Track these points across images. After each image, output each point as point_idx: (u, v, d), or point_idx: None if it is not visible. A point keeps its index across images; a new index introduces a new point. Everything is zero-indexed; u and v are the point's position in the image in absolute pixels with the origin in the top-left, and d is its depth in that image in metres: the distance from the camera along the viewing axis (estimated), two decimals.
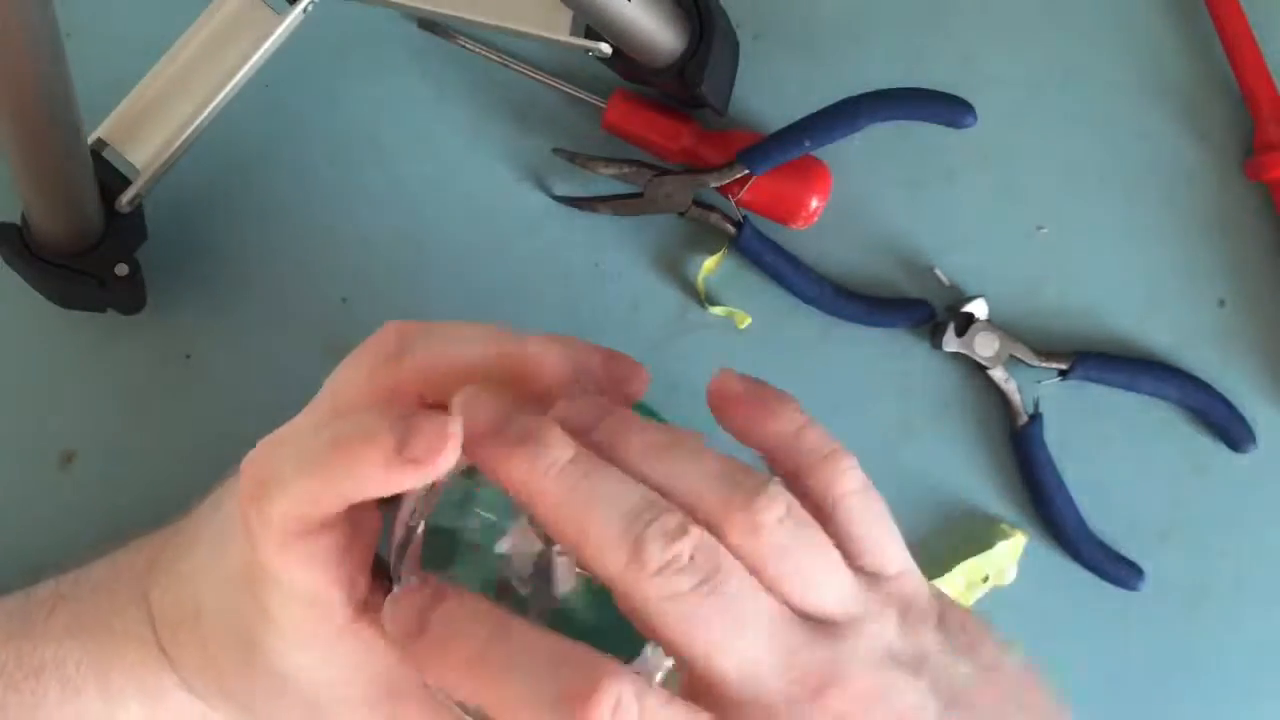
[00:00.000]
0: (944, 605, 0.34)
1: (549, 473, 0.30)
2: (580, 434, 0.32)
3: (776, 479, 0.32)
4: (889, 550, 0.33)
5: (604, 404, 0.33)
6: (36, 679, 0.41)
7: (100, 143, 0.48)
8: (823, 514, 0.32)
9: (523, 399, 0.33)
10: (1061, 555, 0.53)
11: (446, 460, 0.31)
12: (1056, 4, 0.54)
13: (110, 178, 0.47)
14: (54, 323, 0.51)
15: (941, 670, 0.32)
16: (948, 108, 0.50)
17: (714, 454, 0.32)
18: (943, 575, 0.52)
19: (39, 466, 0.51)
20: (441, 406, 0.32)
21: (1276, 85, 0.53)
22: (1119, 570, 0.53)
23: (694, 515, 0.30)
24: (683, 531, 0.29)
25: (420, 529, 0.33)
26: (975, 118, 0.50)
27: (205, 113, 0.47)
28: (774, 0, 0.53)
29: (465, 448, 0.31)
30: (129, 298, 0.49)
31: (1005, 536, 0.53)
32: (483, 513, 0.34)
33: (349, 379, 0.36)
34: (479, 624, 0.30)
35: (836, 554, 0.32)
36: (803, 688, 0.30)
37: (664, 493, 0.31)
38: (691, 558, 0.29)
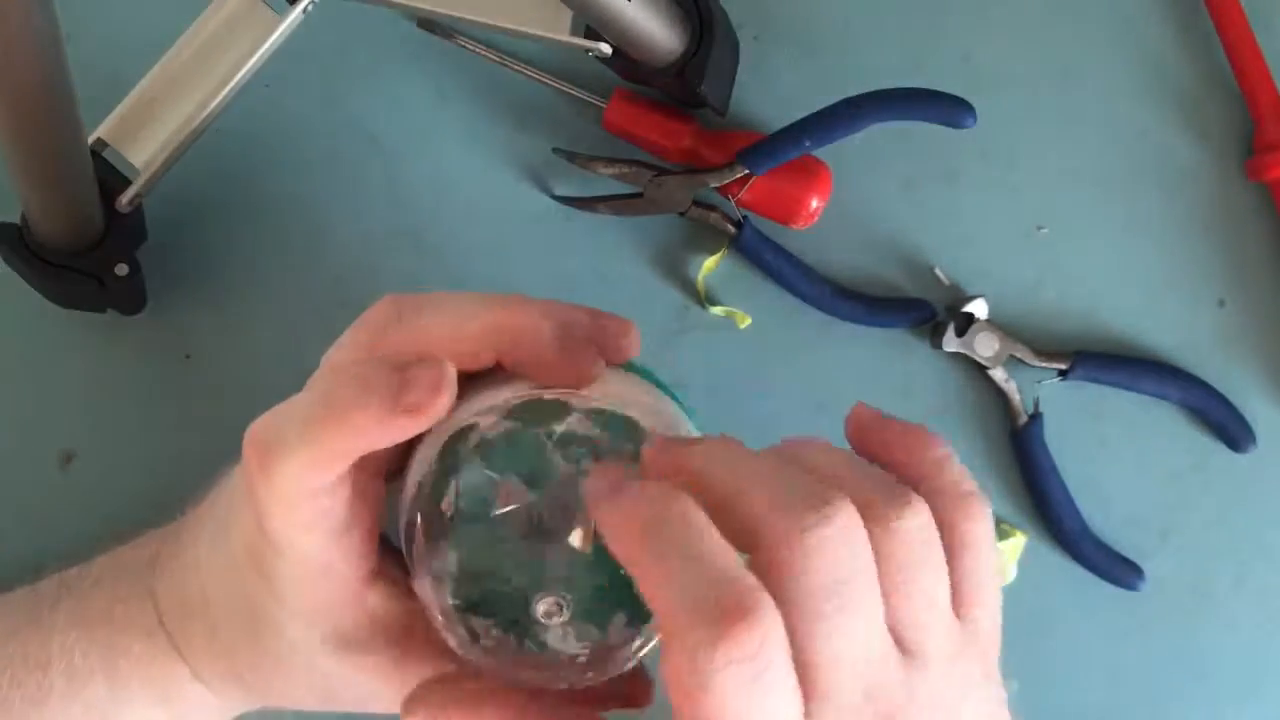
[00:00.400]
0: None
1: (707, 458, 0.30)
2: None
3: None
4: (992, 605, 0.33)
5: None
6: (43, 673, 0.41)
7: (100, 143, 0.47)
8: (947, 549, 0.31)
9: (517, 361, 0.35)
10: (1061, 555, 0.53)
11: (442, 406, 0.31)
12: (1056, 4, 0.54)
13: (110, 178, 0.47)
14: (54, 323, 0.51)
15: None
16: (948, 108, 0.50)
17: (861, 459, 0.32)
18: None
19: (39, 466, 0.51)
20: None
21: (1276, 85, 0.53)
22: (1119, 570, 0.53)
23: None
24: (833, 499, 0.29)
25: (454, 484, 0.33)
26: (975, 118, 0.50)
27: (205, 113, 0.47)
28: (774, 0, 0.53)
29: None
30: (129, 298, 0.49)
31: (1005, 536, 0.53)
32: (500, 471, 0.34)
33: (348, 351, 0.36)
34: (667, 502, 0.29)
35: (948, 588, 0.31)
36: (871, 705, 0.29)
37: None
38: (841, 526, 0.28)
